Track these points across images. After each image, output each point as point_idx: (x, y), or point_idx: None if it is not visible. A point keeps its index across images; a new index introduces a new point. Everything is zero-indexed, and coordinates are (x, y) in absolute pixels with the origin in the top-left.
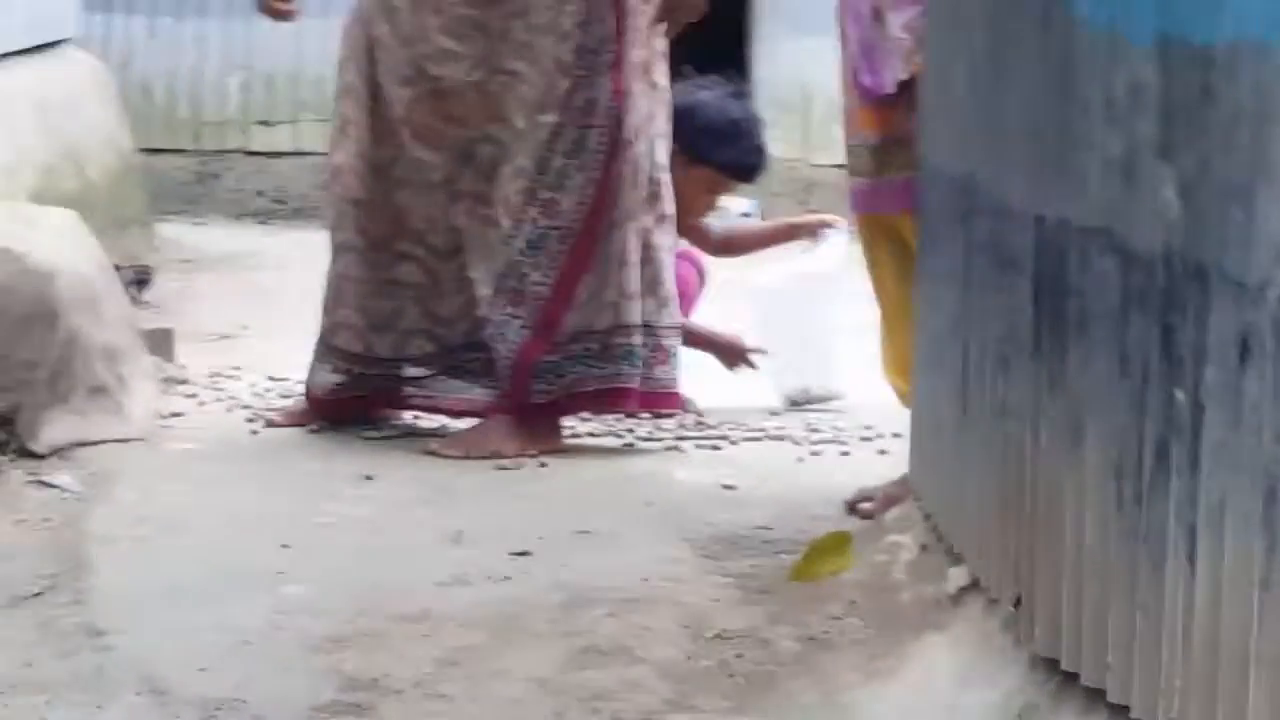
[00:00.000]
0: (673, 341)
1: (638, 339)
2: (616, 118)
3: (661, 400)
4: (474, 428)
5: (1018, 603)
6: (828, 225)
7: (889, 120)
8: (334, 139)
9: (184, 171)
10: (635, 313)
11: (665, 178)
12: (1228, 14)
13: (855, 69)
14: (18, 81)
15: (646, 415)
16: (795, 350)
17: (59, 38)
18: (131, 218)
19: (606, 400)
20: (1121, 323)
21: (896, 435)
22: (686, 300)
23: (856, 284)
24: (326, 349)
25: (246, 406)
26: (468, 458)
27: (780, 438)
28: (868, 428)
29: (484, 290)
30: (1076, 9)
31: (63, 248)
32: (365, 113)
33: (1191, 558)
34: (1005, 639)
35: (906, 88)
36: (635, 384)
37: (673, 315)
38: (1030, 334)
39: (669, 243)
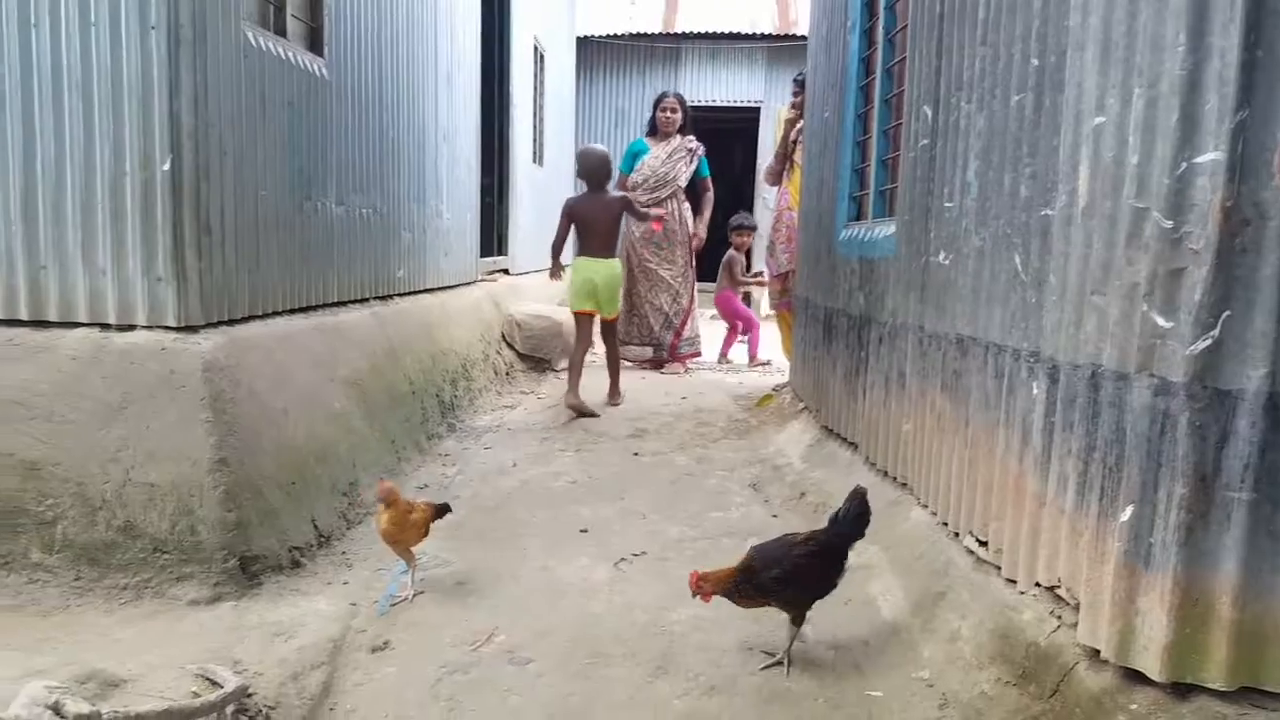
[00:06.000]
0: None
1: (697, 341)
2: (692, 279)
3: (696, 357)
4: (652, 359)
5: (805, 408)
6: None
7: (784, 282)
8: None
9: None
10: (695, 333)
11: (694, 294)
12: None
13: (770, 266)
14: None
15: (698, 363)
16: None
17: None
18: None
19: (689, 358)
20: (847, 334)
21: (782, 370)
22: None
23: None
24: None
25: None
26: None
27: (754, 370)
28: (779, 370)
29: (656, 324)
30: (836, 244)
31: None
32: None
33: (866, 395)
34: (814, 421)
35: (789, 273)
36: (693, 351)
37: (698, 336)
38: (826, 337)
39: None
